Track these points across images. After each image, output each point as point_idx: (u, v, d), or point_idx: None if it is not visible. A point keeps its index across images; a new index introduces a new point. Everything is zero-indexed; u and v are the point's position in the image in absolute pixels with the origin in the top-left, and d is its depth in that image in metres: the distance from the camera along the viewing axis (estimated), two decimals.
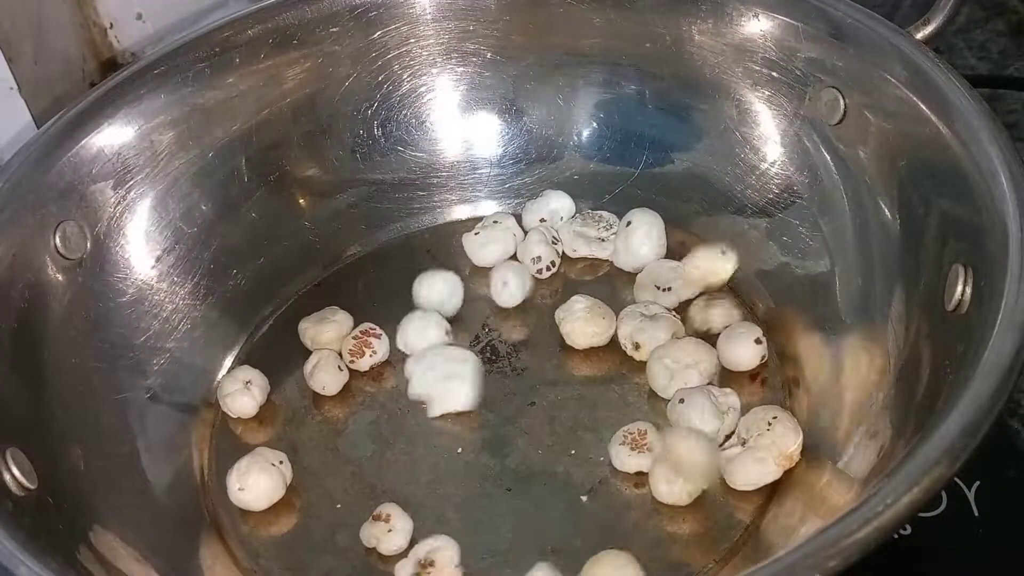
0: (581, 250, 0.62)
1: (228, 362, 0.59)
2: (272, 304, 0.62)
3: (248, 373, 0.56)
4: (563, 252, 0.62)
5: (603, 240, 0.62)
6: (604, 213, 0.63)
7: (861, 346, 0.51)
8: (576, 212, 0.63)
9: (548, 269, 0.61)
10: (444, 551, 0.47)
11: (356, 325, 0.59)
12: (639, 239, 0.60)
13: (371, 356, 0.57)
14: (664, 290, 0.58)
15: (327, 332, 0.58)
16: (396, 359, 0.58)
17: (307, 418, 0.56)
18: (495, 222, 0.63)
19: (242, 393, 0.55)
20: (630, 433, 0.51)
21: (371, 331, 0.58)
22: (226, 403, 0.56)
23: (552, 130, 0.66)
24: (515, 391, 0.55)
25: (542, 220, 0.63)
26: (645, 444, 0.50)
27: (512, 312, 0.60)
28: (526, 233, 0.62)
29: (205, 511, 0.53)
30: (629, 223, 0.60)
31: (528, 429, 0.54)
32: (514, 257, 0.62)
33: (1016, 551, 0.49)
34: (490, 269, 0.61)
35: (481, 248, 0.62)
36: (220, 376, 0.58)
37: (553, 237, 0.62)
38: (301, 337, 0.59)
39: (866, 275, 0.53)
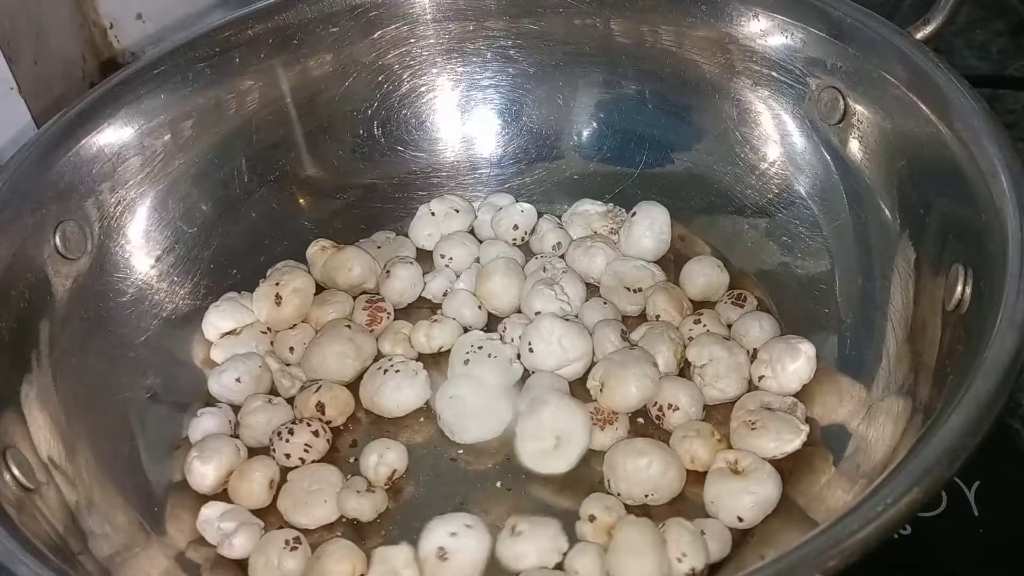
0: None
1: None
2: None
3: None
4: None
5: (614, 232, 0.62)
6: (615, 207, 0.63)
7: (861, 346, 0.51)
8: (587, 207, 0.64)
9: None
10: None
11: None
12: (640, 231, 0.60)
13: (388, 318, 0.59)
14: (634, 291, 0.58)
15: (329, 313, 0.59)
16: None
17: None
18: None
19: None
20: (595, 414, 0.52)
21: (375, 299, 0.59)
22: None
23: (552, 130, 0.66)
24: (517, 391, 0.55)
25: (515, 227, 0.62)
26: (614, 418, 0.52)
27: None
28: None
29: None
30: (634, 214, 0.61)
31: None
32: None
33: (1016, 551, 0.49)
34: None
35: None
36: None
37: (557, 223, 0.63)
38: None
39: (866, 275, 0.53)
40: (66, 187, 0.54)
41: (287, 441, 0.52)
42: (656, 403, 0.52)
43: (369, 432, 0.55)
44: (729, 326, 0.56)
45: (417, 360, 0.57)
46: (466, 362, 0.55)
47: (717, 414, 0.53)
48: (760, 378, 0.53)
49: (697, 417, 0.52)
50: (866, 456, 0.46)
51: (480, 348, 0.56)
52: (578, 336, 0.54)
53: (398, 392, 0.54)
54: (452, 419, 0.53)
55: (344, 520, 0.51)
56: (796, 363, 0.52)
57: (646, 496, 0.48)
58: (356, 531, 0.50)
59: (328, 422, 0.54)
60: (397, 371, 0.55)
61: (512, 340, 0.56)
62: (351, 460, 0.53)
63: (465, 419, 0.53)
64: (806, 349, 0.52)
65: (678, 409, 0.52)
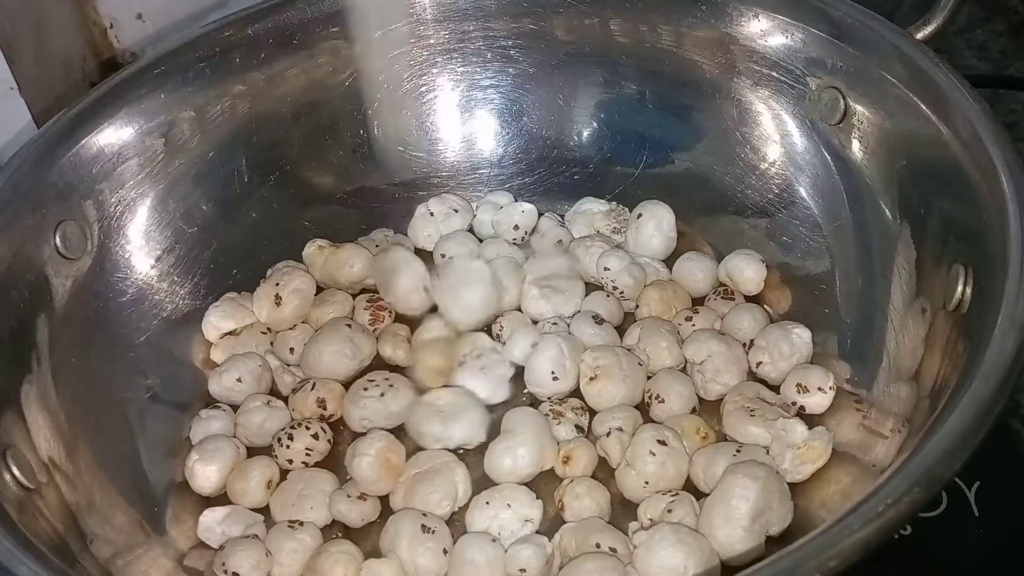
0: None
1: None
2: None
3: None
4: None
5: (617, 232, 0.62)
6: (618, 205, 0.63)
7: (861, 346, 0.51)
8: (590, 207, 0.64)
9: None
10: None
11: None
12: (649, 231, 0.60)
13: (390, 316, 0.59)
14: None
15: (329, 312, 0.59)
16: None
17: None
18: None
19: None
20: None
21: (375, 298, 0.60)
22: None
23: (552, 130, 0.66)
24: (516, 390, 0.55)
25: (515, 227, 0.63)
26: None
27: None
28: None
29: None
30: (640, 215, 0.61)
31: None
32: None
33: (1016, 551, 0.49)
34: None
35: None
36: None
37: (559, 222, 0.63)
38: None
39: (866, 275, 0.53)
40: (66, 187, 0.54)
41: (287, 447, 0.52)
42: (648, 390, 0.53)
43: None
44: (721, 321, 0.56)
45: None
46: (467, 364, 0.55)
47: (720, 409, 0.53)
48: (758, 364, 0.53)
49: (683, 413, 0.52)
50: (866, 458, 0.46)
51: (479, 356, 0.56)
52: (571, 370, 0.54)
53: (364, 411, 0.54)
54: (416, 423, 0.53)
55: (335, 522, 0.51)
56: (792, 349, 0.52)
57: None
58: (347, 533, 0.50)
59: (331, 416, 0.55)
60: (382, 394, 0.53)
61: (511, 336, 0.56)
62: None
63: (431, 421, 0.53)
64: (802, 335, 0.53)
65: (663, 402, 0.52)
